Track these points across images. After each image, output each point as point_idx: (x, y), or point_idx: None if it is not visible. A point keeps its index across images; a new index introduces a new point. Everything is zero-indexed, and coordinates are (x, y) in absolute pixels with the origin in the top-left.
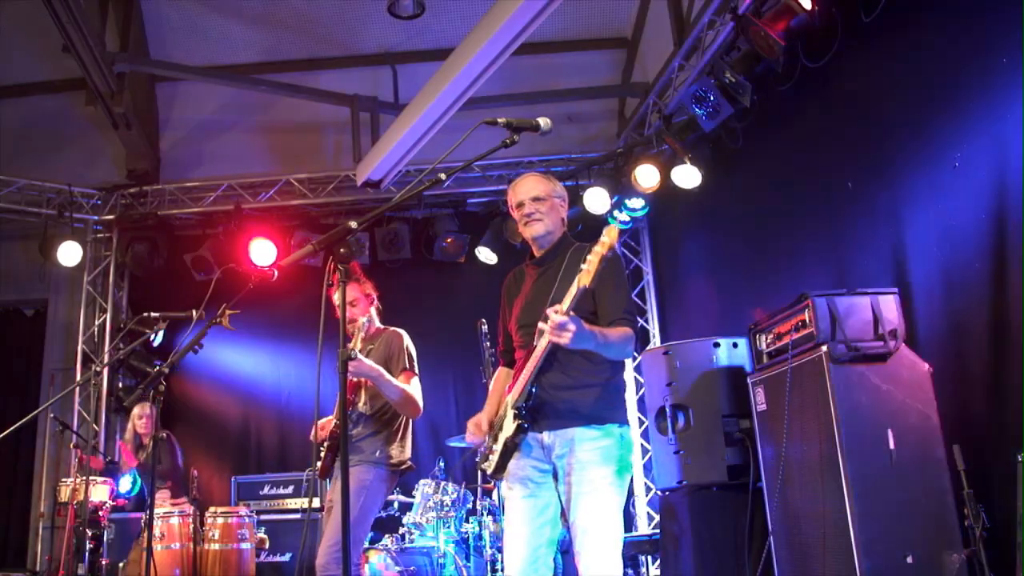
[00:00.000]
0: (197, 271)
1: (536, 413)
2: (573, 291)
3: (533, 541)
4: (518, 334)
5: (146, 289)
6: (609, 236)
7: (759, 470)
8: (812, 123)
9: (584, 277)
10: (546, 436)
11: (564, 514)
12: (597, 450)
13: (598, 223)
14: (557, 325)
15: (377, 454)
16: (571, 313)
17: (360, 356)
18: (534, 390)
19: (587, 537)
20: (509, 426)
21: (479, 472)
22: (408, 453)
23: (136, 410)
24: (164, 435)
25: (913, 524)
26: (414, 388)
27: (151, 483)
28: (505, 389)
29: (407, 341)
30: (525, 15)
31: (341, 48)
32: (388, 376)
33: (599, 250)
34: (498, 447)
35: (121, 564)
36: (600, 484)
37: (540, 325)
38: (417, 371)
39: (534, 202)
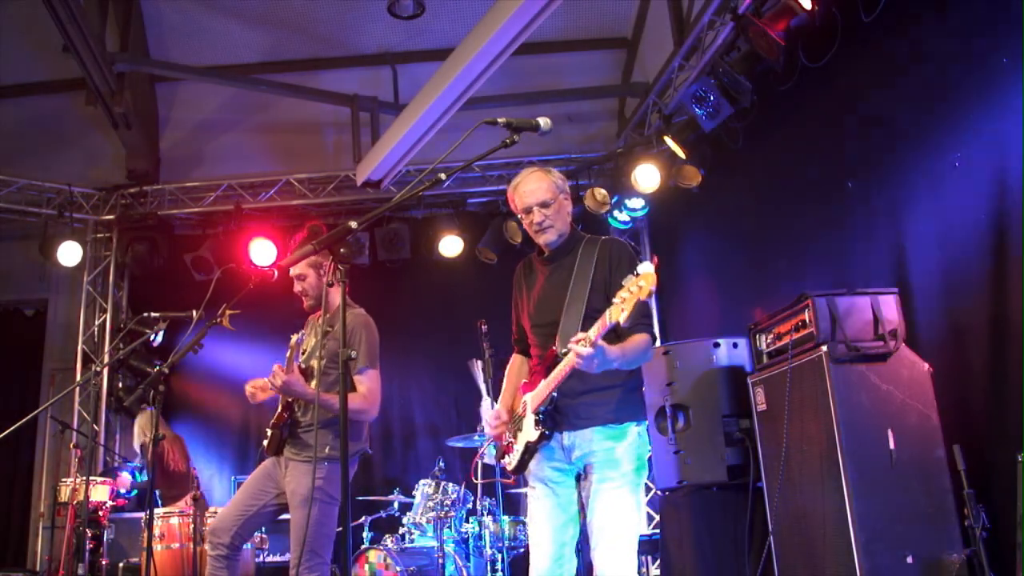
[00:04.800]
0: (197, 271)
1: (556, 416)
2: (605, 321)
3: (558, 539)
4: (533, 333)
5: (146, 289)
6: (648, 282)
7: (759, 470)
8: (812, 123)
9: (616, 312)
10: (566, 437)
11: (582, 512)
12: (614, 449)
13: (598, 222)
14: (584, 358)
15: (328, 449)
16: (597, 344)
17: (290, 375)
18: (555, 395)
19: (603, 535)
20: (531, 431)
21: (479, 468)
22: (363, 441)
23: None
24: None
25: (913, 524)
26: (368, 386)
27: (151, 483)
28: (521, 382)
29: (371, 331)
30: (525, 15)
31: (341, 48)
32: (324, 398)
33: (637, 293)
34: (519, 447)
35: (121, 564)
36: (618, 482)
37: (571, 346)
38: (377, 364)
39: (542, 209)
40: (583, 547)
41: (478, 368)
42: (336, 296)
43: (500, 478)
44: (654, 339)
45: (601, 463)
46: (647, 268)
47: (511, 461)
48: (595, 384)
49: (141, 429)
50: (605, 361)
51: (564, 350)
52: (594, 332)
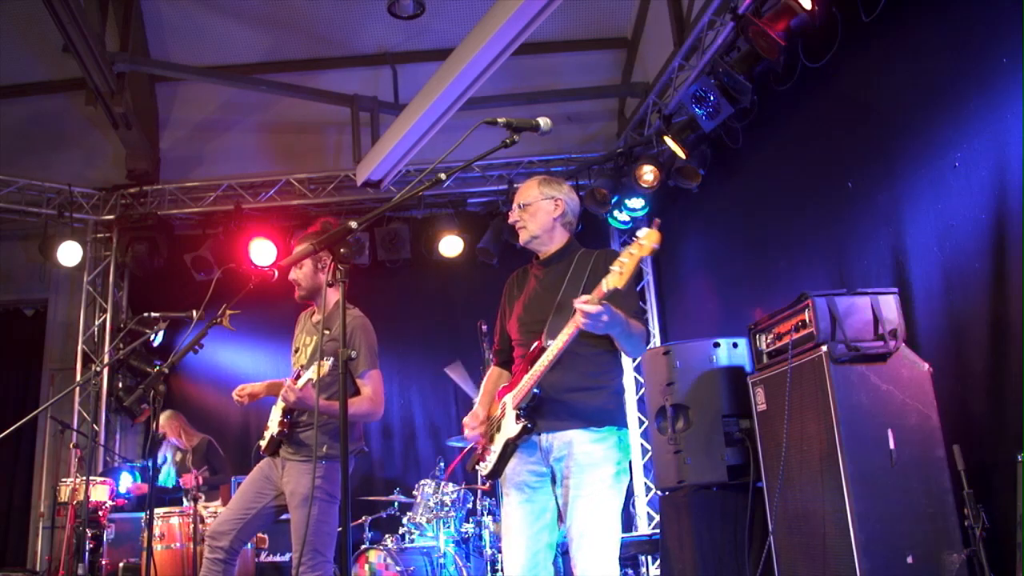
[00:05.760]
0: (197, 271)
1: (536, 414)
2: (602, 289)
3: (531, 546)
4: (519, 332)
5: (146, 289)
6: (649, 240)
7: (759, 470)
8: (812, 123)
9: (615, 279)
10: (544, 438)
11: (561, 517)
12: (596, 452)
13: (598, 222)
14: (591, 313)
15: (325, 448)
16: (603, 302)
17: (298, 386)
18: (537, 391)
19: (584, 540)
20: (511, 427)
21: (477, 474)
22: (359, 439)
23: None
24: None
25: (913, 524)
26: (373, 387)
27: (151, 484)
28: (498, 389)
29: (368, 332)
30: (525, 15)
31: (341, 48)
32: (332, 407)
33: (636, 252)
34: (496, 448)
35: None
36: (598, 486)
37: (577, 304)
38: (378, 364)
39: (520, 210)
40: (568, 551)
41: (457, 373)
42: (333, 296)
43: (478, 484)
44: (649, 335)
45: (581, 467)
46: (647, 229)
47: (487, 465)
48: (579, 383)
49: (175, 431)
50: (613, 318)
51: (550, 342)
52: (595, 294)
